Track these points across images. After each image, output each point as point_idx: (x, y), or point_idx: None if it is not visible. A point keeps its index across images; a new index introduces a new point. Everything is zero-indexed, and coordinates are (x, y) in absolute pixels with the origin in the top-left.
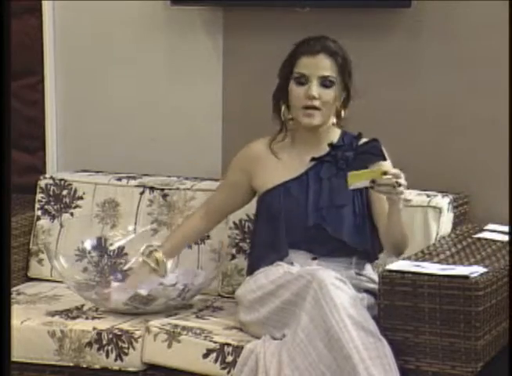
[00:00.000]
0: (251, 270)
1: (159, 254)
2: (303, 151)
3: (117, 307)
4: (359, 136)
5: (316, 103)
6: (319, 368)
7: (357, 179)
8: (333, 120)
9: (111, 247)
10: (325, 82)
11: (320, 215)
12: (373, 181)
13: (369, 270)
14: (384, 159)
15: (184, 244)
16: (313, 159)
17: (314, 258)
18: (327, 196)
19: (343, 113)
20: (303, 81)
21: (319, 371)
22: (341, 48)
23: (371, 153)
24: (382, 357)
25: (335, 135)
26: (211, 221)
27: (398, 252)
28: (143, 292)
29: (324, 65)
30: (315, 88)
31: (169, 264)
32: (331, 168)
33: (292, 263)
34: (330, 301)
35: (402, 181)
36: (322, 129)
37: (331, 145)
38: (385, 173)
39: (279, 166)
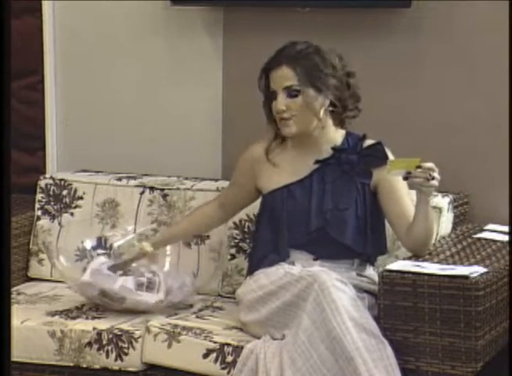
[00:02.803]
0: (252, 270)
1: (143, 245)
2: (305, 153)
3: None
4: (364, 138)
5: (285, 114)
6: (320, 370)
7: (395, 167)
8: (327, 123)
9: (111, 248)
10: (290, 92)
11: (323, 219)
12: (408, 172)
13: (370, 271)
14: None
15: (191, 232)
16: (317, 162)
17: (315, 259)
18: (331, 199)
19: (322, 113)
20: (275, 95)
21: (321, 373)
22: (306, 51)
23: (375, 157)
24: (384, 359)
25: (338, 136)
26: (226, 213)
27: (420, 251)
28: (115, 286)
29: (286, 75)
30: (280, 101)
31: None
32: (335, 171)
33: (293, 263)
34: (332, 303)
35: (436, 174)
36: (317, 134)
37: (335, 149)
38: (419, 166)
39: (282, 168)
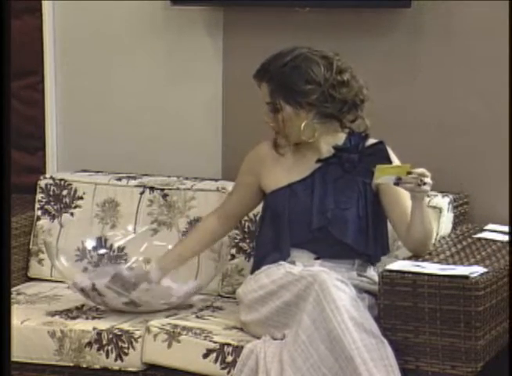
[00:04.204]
0: (253, 269)
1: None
2: (308, 153)
3: (105, 293)
4: (366, 137)
5: (272, 128)
6: (320, 370)
7: (383, 174)
8: (316, 134)
9: (111, 248)
10: (270, 108)
11: (325, 218)
12: (398, 178)
13: (371, 272)
14: (390, 162)
15: (198, 250)
16: (319, 160)
17: (317, 258)
18: (332, 198)
19: (302, 127)
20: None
21: (321, 373)
22: (283, 69)
23: (376, 156)
24: (384, 358)
25: (340, 138)
26: (228, 224)
27: (421, 251)
28: (126, 272)
29: (265, 91)
30: (265, 114)
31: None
32: (337, 170)
33: (294, 262)
34: (332, 302)
35: (428, 180)
36: (313, 140)
37: (336, 148)
38: (410, 172)
39: (286, 167)
